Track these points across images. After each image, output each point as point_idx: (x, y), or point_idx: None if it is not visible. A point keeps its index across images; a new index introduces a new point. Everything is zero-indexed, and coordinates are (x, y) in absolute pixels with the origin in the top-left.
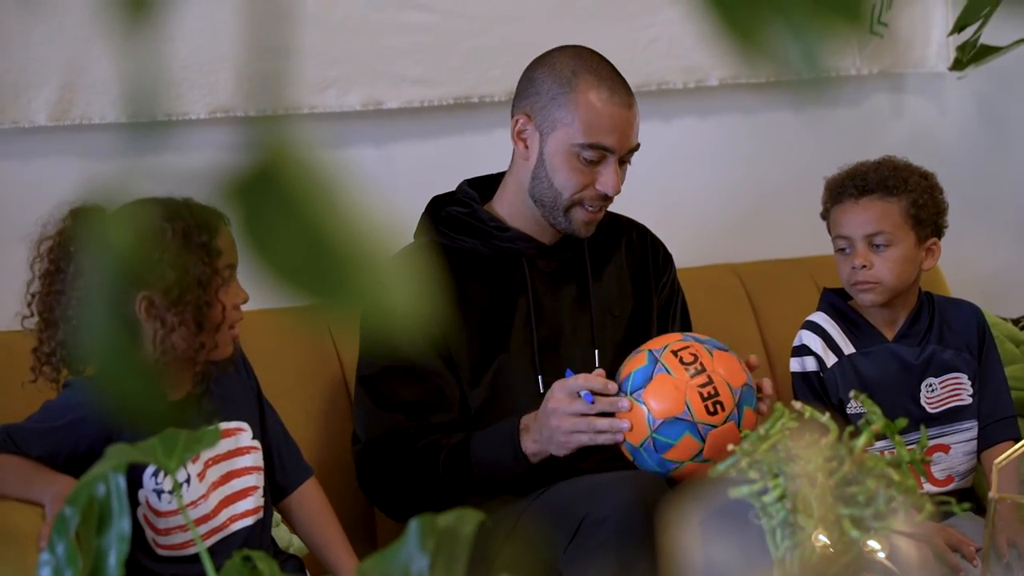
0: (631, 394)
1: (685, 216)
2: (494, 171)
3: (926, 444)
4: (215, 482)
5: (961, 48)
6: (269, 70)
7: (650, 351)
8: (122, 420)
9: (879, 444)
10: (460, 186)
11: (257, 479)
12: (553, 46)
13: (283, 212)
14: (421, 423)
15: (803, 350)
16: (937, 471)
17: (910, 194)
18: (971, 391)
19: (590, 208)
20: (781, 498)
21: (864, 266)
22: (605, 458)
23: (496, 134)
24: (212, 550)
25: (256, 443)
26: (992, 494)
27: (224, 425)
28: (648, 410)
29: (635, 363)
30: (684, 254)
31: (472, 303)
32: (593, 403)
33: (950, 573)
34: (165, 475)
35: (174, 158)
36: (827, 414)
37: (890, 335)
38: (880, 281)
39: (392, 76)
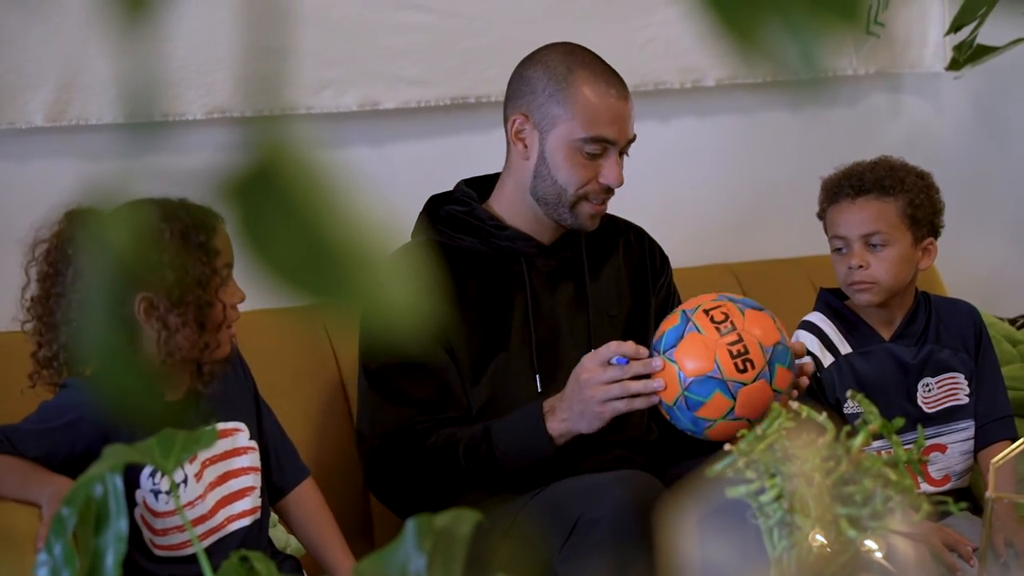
0: (664, 353)
1: (682, 216)
2: (491, 171)
3: (923, 444)
4: (212, 482)
5: (958, 48)
6: (267, 71)
7: (684, 311)
8: (120, 420)
9: (876, 444)
10: (457, 186)
11: (254, 479)
12: None
13: (282, 212)
14: (436, 416)
15: None
16: (934, 471)
17: (906, 194)
18: (968, 391)
19: (595, 201)
20: (778, 498)
21: (860, 266)
22: (608, 459)
23: (493, 134)
24: (209, 550)
25: (253, 443)
26: (989, 493)
27: (221, 425)
28: (679, 368)
29: (669, 323)
30: (681, 254)
31: (471, 301)
32: (627, 365)
33: (947, 573)
34: (162, 475)
35: (171, 159)
36: (824, 414)
37: (887, 335)
38: (877, 281)
39: (389, 76)
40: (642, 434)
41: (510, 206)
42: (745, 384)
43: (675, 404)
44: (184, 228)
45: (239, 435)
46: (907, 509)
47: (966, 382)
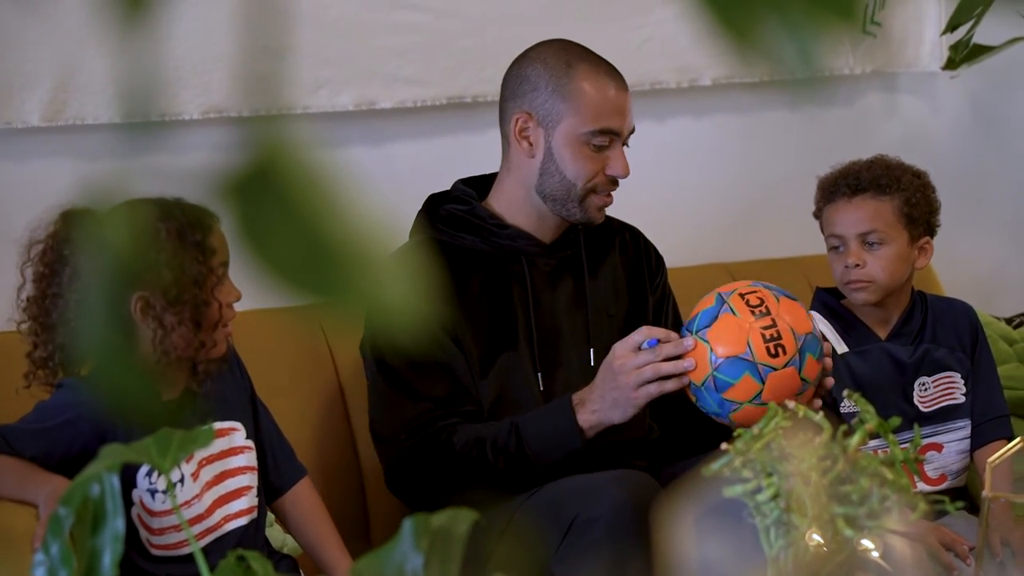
0: (696, 333)
1: (679, 216)
2: (488, 171)
3: (919, 443)
4: (209, 482)
5: (954, 47)
6: (265, 70)
7: (719, 293)
8: (116, 420)
9: (872, 443)
10: (456, 185)
11: (251, 479)
12: None
13: (281, 211)
14: (453, 411)
15: None
16: (930, 470)
17: (903, 193)
18: (964, 390)
19: (603, 193)
20: (775, 497)
21: (857, 265)
22: (612, 461)
23: (489, 134)
24: (206, 550)
25: (250, 443)
26: (986, 493)
27: (218, 425)
28: (711, 348)
29: (703, 304)
30: (678, 254)
31: (474, 299)
32: (658, 344)
33: (944, 572)
34: (159, 475)
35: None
36: (820, 413)
37: (883, 334)
38: (873, 280)
39: (385, 76)
40: (645, 434)
41: (511, 205)
42: (775, 369)
43: (703, 384)
44: (180, 227)
45: (236, 434)
46: (904, 508)
47: (962, 381)
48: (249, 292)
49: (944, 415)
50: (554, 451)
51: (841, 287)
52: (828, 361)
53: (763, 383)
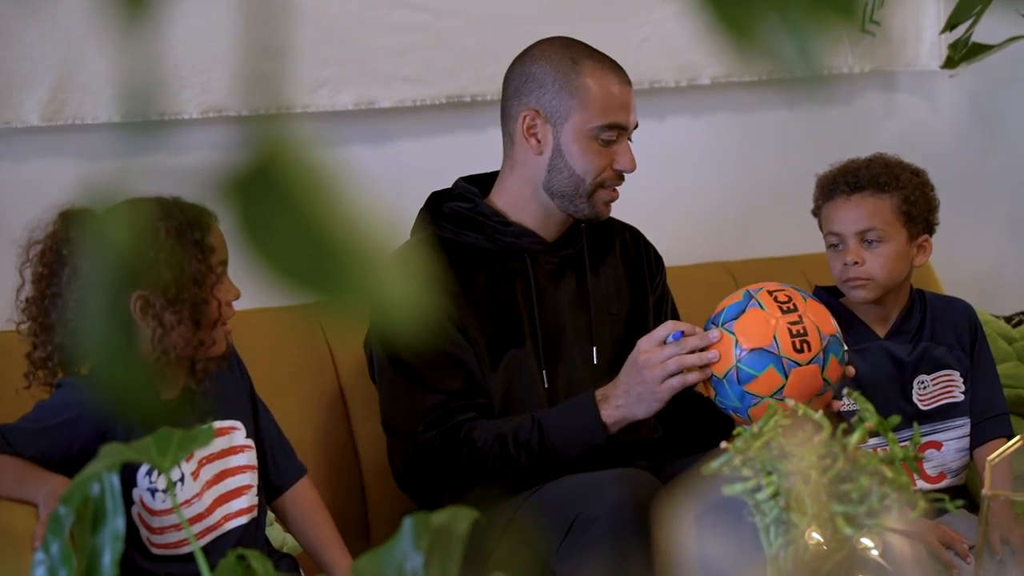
0: (722, 326)
1: (678, 215)
2: (487, 169)
3: (919, 441)
4: (209, 481)
5: (953, 46)
6: (265, 69)
7: (747, 290)
8: (116, 419)
9: (871, 441)
10: (457, 182)
11: (251, 478)
12: None
13: (283, 209)
14: (468, 403)
15: None
16: (930, 468)
17: (902, 191)
18: (963, 388)
19: (610, 188)
20: (774, 496)
21: (856, 262)
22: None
23: (489, 133)
24: (206, 549)
25: (250, 442)
26: (985, 491)
27: (218, 424)
28: (737, 340)
29: (730, 299)
30: (677, 252)
31: (480, 295)
32: (683, 337)
33: (943, 570)
34: (159, 474)
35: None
36: (820, 411)
37: (882, 332)
38: (872, 277)
39: (384, 75)
40: (650, 434)
41: (514, 203)
42: (799, 365)
43: (725, 376)
44: (179, 226)
45: (236, 433)
46: (903, 507)
47: (961, 379)
48: (250, 291)
49: (943, 413)
50: (577, 447)
51: (840, 285)
52: (851, 369)
53: (786, 378)
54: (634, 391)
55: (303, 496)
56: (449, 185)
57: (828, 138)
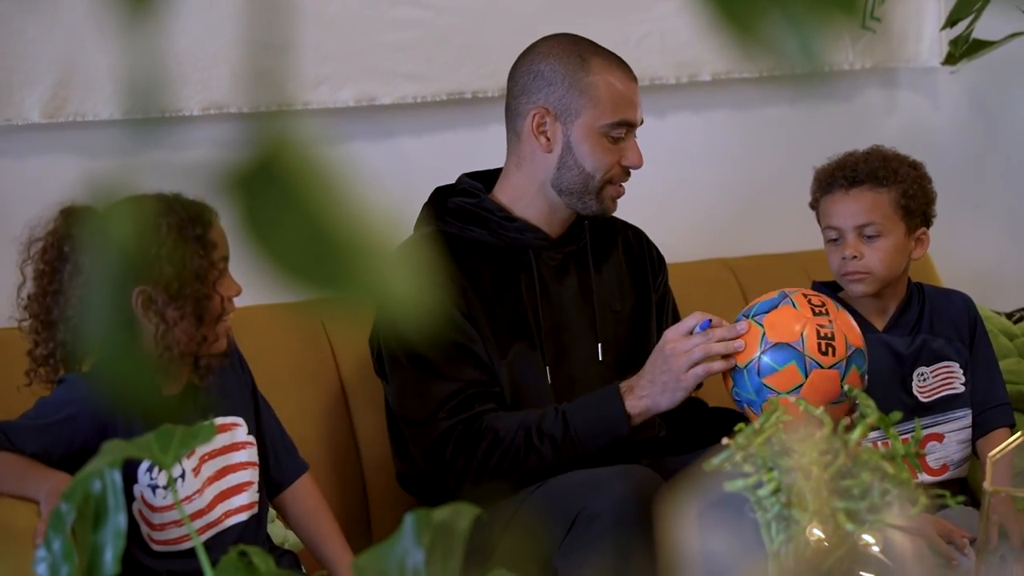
0: (752, 317)
1: (678, 211)
2: (488, 166)
3: (920, 437)
4: (210, 477)
5: (954, 42)
6: (267, 66)
7: (783, 290)
8: (118, 415)
9: (872, 435)
10: (461, 178)
11: (252, 474)
12: None
13: (286, 206)
14: (490, 390)
15: None
16: (932, 460)
17: (900, 184)
18: (963, 379)
19: (618, 184)
20: (776, 492)
21: (855, 256)
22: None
23: (490, 130)
24: (207, 545)
25: (251, 438)
26: (987, 487)
27: (219, 420)
28: (765, 331)
29: (765, 296)
30: (678, 249)
31: (485, 290)
32: (710, 327)
33: (943, 563)
34: (160, 470)
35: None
36: (821, 408)
37: (880, 326)
38: (871, 271)
39: (385, 72)
40: (655, 432)
41: (519, 199)
42: (821, 367)
43: (746, 366)
44: (181, 222)
45: (237, 430)
46: (905, 503)
47: (961, 371)
48: (252, 287)
49: (944, 405)
50: (600, 437)
51: (838, 278)
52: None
53: (806, 377)
54: (659, 380)
55: (304, 493)
56: (449, 181)
57: (829, 134)
